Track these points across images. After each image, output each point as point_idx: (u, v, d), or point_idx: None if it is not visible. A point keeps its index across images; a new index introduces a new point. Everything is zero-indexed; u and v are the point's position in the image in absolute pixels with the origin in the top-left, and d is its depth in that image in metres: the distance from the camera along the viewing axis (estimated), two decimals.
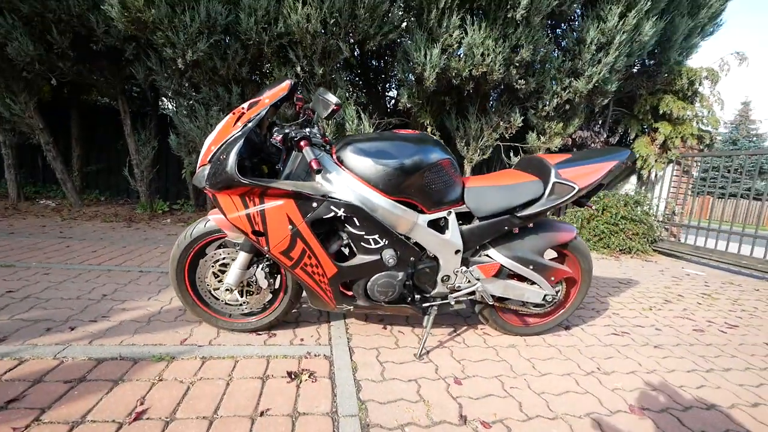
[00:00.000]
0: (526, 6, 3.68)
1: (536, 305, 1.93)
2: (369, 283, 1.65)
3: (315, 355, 1.64)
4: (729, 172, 4.57)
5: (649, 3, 3.96)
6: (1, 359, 1.41)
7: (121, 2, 3.30)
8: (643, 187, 5.67)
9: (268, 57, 3.92)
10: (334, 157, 1.57)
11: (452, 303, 1.79)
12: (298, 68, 3.82)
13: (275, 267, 1.76)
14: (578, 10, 4.44)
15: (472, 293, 1.78)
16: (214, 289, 1.75)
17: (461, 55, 3.94)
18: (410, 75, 4.09)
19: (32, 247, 2.99)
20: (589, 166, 1.76)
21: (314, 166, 1.35)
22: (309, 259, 1.56)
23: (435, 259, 1.70)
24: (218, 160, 1.43)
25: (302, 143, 1.41)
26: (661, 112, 5.08)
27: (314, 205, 1.50)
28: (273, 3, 3.53)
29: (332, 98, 1.41)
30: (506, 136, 4.65)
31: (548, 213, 1.78)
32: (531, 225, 1.83)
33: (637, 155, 5.21)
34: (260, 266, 1.70)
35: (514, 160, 4.79)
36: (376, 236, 1.58)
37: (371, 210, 1.54)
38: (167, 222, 4.58)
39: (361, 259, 1.61)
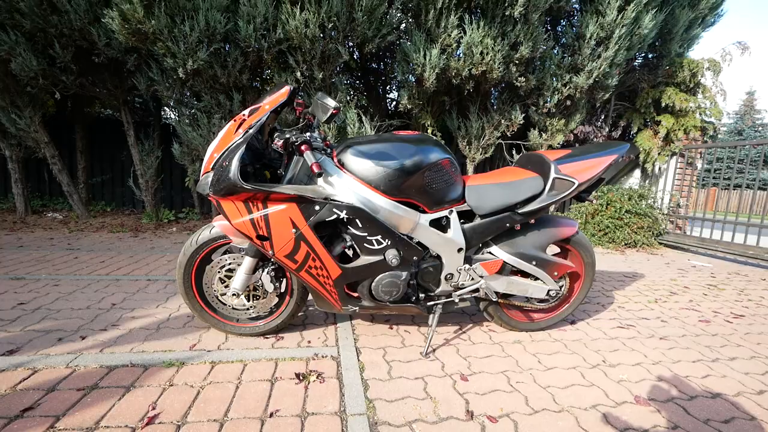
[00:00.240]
0: (524, 3, 3.70)
1: (540, 301, 1.94)
2: (373, 284, 1.67)
3: (322, 357, 1.66)
4: (735, 162, 4.54)
5: None
6: (15, 369, 1.45)
7: (122, 14, 3.35)
8: (647, 181, 5.65)
9: (268, 63, 3.96)
10: (335, 160, 1.60)
11: (456, 301, 1.80)
12: (298, 73, 3.86)
13: (281, 271, 1.78)
14: (577, 6, 4.45)
15: (476, 290, 1.79)
16: (221, 295, 1.78)
17: (460, 55, 3.96)
18: (410, 76, 4.12)
19: (41, 259, 3.03)
20: (588, 161, 1.77)
21: (315, 169, 1.37)
22: (313, 261, 1.58)
23: (438, 257, 1.72)
24: (221, 167, 1.46)
25: (303, 147, 1.44)
26: (663, 104, 5.06)
27: (317, 208, 1.52)
28: (271, 9, 3.57)
29: (331, 102, 1.44)
30: (508, 134, 4.66)
31: (550, 209, 1.79)
32: (533, 221, 1.84)
33: (640, 149, 5.19)
34: (266, 270, 1.72)
35: (517, 157, 4.80)
36: (378, 237, 1.59)
37: (373, 211, 1.56)
38: (173, 230, 4.62)
39: (364, 260, 1.63)
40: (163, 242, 3.94)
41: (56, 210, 5.42)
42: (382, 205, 1.57)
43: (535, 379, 1.55)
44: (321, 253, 1.57)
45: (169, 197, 6.00)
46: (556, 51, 4.47)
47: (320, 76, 3.89)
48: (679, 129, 5.09)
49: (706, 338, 2.04)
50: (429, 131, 4.54)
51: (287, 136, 1.52)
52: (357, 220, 1.55)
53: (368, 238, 1.59)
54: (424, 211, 1.65)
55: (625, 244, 4.70)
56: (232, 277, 1.75)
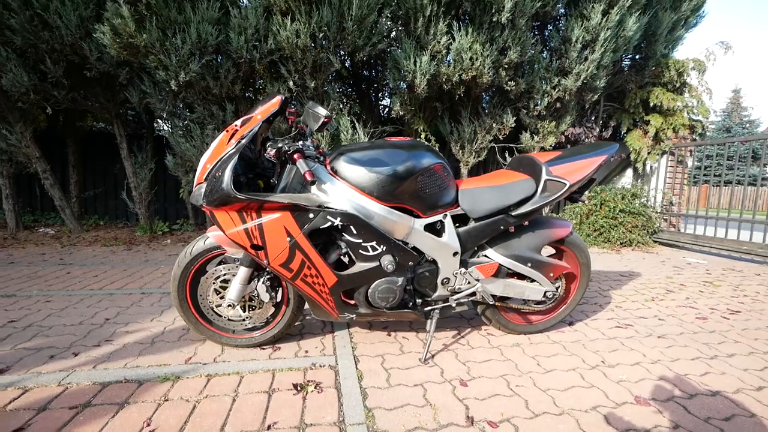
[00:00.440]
0: (510, 9, 3.74)
1: (537, 302, 1.94)
2: (370, 290, 1.66)
3: (320, 366, 1.64)
4: (725, 159, 4.60)
5: None
6: (5, 389, 1.41)
7: (113, 29, 3.36)
8: (640, 180, 5.70)
9: (260, 73, 3.97)
10: (328, 167, 1.59)
11: (454, 305, 1.80)
12: (291, 83, 3.87)
13: (276, 280, 1.77)
14: (562, 10, 4.51)
15: (473, 294, 1.79)
16: (217, 306, 1.76)
17: (450, 61, 4.00)
18: (402, 83, 4.14)
19: (33, 275, 2.99)
20: (579, 162, 1.78)
21: (308, 177, 1.37)
22: (309, 269, 1.57)
23: (434, 262, 1.71)
24: (214, 178, 1.45)
25: (295, 156, 1.43)
26: (651, 104, 5.13)
27: (311, 215, 1.52)
28: (262, 21, 3.58)
29: (322, 111, 1.44)
30: (500, 137, 4.69)
31: (543, 210, 1.80)
32: (527, 223, 1.84)
33: (631, 148, 5.25)
34: (261, 280, 1.71)
35: (510, 160, 4.82)
36: (373, 243, 1.59)
37: (367, 217, 1.55)
38: (167, 243, 4.59)
39: (360, 266, 1.62)
40: (157, 255, 3.90)
41: (48, 225, 5.37)
42: (376, 211, 1.56)
43: (534, 382, 1.54)
44: (316, 261, 1.56)
45: (163, 209, 5.96)
46: (544, 55, 4.52)
47: (312, 84, 3.90)
48: (668, 128, 5.15)
49: (703, 335, 2.04)
50: (422, 137, 4.56)
51: (280, 145, 1.51)
52: (351, 227, 1.55)
53: (363, 244, 1.58)
54: (418, 216, 1.65)
55: (621, 243, 4.73)
56: (227, 287, 1.74)
